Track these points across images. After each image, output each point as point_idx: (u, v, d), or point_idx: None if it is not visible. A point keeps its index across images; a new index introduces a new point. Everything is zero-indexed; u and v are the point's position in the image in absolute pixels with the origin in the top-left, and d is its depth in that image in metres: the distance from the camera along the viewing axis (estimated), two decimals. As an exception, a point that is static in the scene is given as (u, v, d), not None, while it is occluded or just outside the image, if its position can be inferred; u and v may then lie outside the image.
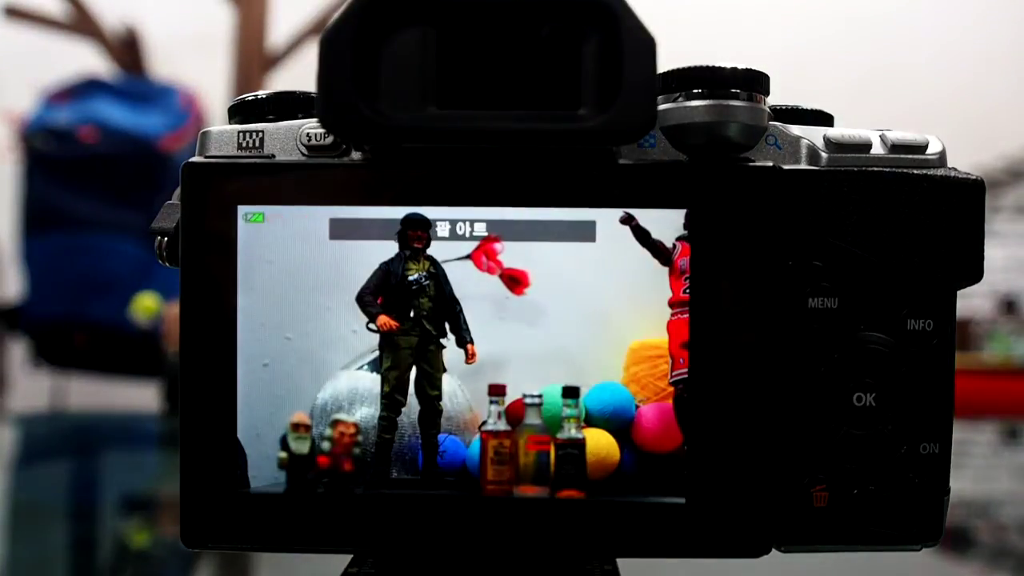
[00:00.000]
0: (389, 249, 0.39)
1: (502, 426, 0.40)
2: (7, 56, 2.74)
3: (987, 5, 3.09)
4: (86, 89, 2.38)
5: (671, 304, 0.39)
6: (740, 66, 0.38)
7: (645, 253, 0.39)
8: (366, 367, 0.40)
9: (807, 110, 0.42)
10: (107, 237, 2.28)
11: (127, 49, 2.54)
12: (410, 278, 0.39)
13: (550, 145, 0.37)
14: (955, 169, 0.40)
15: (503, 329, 0.39)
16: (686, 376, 0.39)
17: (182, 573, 0.82)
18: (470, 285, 0.39)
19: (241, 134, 0.41)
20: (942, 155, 0.40)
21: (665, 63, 0.37)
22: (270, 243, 0.39)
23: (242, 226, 0.39)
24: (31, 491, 1.15)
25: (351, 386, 0.40)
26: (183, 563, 0.82)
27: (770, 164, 0.39)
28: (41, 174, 2.31)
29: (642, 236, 0.39)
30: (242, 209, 0.39)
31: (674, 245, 0.39)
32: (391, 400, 0.40)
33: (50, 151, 2.29)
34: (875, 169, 0.40)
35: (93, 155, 2.28)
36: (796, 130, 0.41)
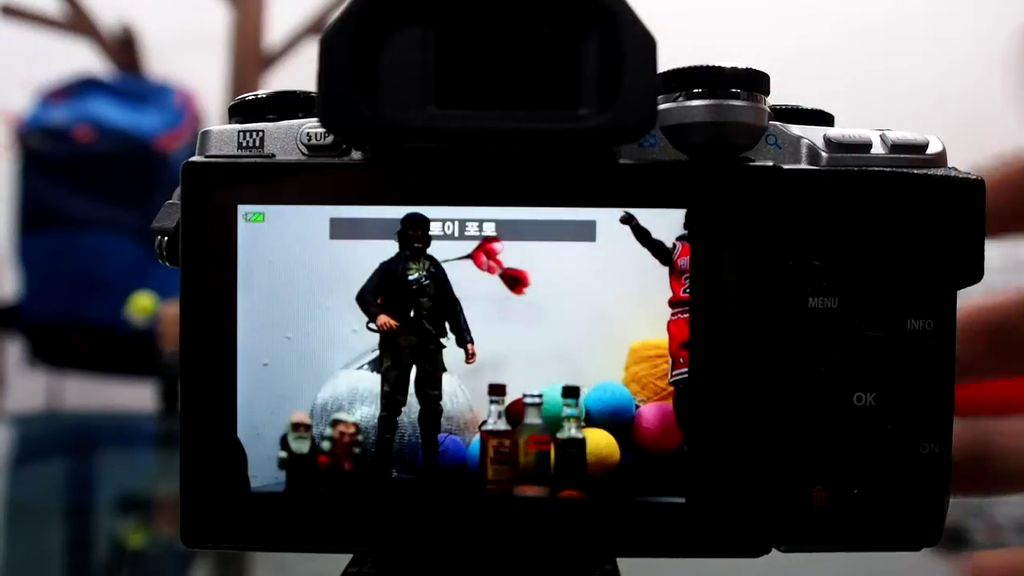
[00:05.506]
0: (389, 249, 0.39)
1: (502, 426, 0.40)
2: (3, 55, 2.73)
3: (985, 6, 3.09)
4: (82, 88, 2.38)
5: (671, 304, 0.39)
6: (740, 66, 0.38)
7: (645, 253, 0.39)
8: (366, 367, 0.40)
9: (807, 110, 0.42)
10: (103, 236, 2.28)
11: (123, 48, 2.54)
12: (410, 278, 0.39)
13: (550, 145, 0.37)
14: (955, 169, 0.40)
15: (503, 329, 0.39)
16: (686, 376, 0.39)
17: (179, 573, 0.82)
18: (470, 285, 0.39)
19: (241, 134, 0.41)
20: (942, 155, 0.40)
21: (665, 63, 0.37)
22: (270, 243, 0.39)
23: (242, 226, 0.39)
24: (27, 491, 1.15)
25: (351, 386, 0.40)
26: (180, 563, 0.82)
27: (770, 164, 0.39)
28: (37, 173, 2.31)
29: (642, 236, 0.39)
30: (242, 209, 0.39)
31: (674, 245, 0.39)
32: (391, 400, 0.40)
33: (46, 150, 2.29)
34: (875, 169, 0.40)
35: (89, 154, 2.27)
36: (796, 130, 0.41)
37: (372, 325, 0.40)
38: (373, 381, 0.40)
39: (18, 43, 2.60)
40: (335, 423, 0.39)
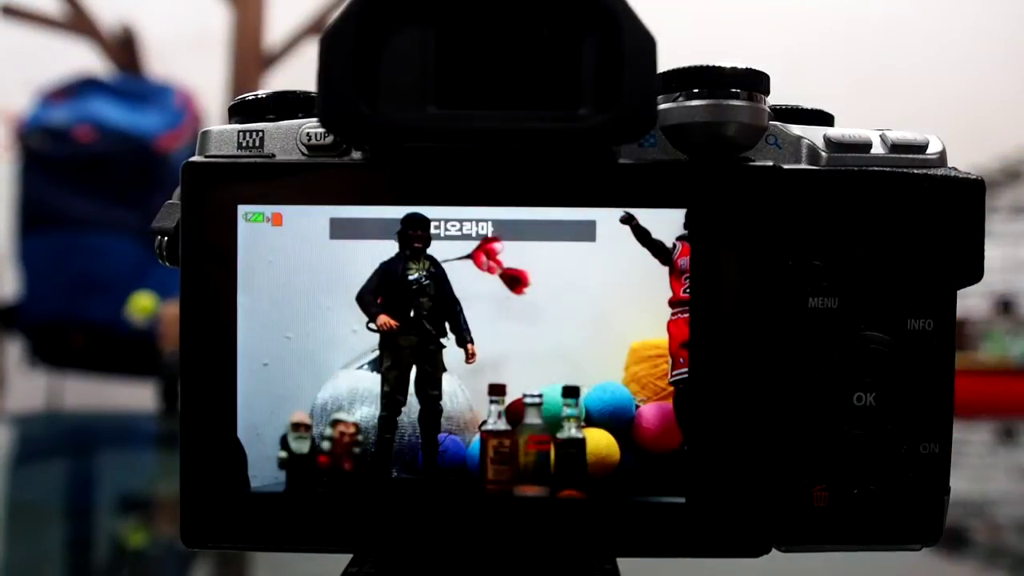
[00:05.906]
0: (389, 249, 0.39)
1: (502, 426, 0.40)
2: (4, 55, 2.73)
3: (983, 7, 3.09)
4: (82, 88, 2.38)
5: (671, 304, 0.39)
6: (740, 66, 0.38)
7: (645, 253, 0.39)
8: (366, 367, 0.40)
9: (807, 110, 0.42)
10: (103, 236, 2.28)
11: (124, 48, 2.54)
12: (410, 278, 0.39)
13: (550, 145, 0.37)
14: (955, 169, 0.40)
15: (503, 329, 0.39)
16: (686, 376, 0.39)
17: (179, 573, 0.82)
18: (470, 285, 0.39)
19: (241, 134, 0.41)
20: (942, 155, 0.40)
21: (665, 63, 0.37)
22: (270, 243, 0.39)
23: (242, 226, 0.39)
24: (27, 491, 1.15)
25: (351, 386, 0.40)
26: (180, 563, 0.82)
27: (770, 164, 0.39)
28: (37, 173, 2.31)
29: (642, 236, 0.39)
30: (242, 209, 0.39)
31: (674, 245, 0.39)
32: (391, 400, 0.40)
33: (46, 150, 2.29)
34: (875, 169, 0.40)
35: (89, 154, 2.28)
36: (796, 130, 0.41)
37: (372, 325, 0.40)
38: (373, 381, 0.40)
39: (18, 43, 2.60)
40: (335, 423, 0.39)
